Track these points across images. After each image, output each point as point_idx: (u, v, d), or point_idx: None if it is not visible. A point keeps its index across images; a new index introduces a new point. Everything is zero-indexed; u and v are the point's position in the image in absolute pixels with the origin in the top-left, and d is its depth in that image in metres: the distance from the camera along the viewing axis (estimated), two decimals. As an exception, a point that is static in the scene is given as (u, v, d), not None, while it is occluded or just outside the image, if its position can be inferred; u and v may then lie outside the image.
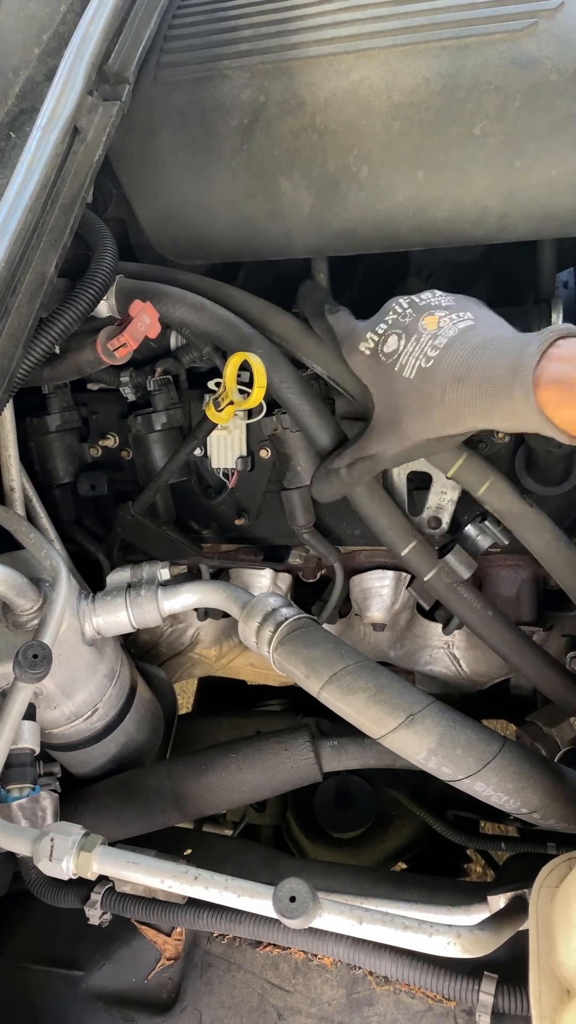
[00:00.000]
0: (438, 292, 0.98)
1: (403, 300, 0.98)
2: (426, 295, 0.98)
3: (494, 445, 1.16)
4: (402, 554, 1.12)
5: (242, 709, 1.83)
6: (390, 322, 0.97)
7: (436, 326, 0.92)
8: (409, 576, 1.32)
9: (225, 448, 1.25)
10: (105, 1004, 1.19)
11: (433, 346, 0.90)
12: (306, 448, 1.18)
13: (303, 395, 1.10)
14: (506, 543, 1.14)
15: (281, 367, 1.08)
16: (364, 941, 0.98)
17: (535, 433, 0.83)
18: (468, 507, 1.16)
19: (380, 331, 0.97)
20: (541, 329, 0.83)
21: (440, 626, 1.32)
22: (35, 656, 0.91)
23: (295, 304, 1.15)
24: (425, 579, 1.13)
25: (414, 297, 0.98)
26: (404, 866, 1.72)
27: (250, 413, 1.22)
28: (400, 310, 0.97)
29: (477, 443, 1.15)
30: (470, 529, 1.15)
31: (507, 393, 0.81)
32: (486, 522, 1.14)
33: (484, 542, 1.15)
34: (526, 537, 1.08)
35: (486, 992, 0.97)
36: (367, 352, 0.98)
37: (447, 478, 1.13)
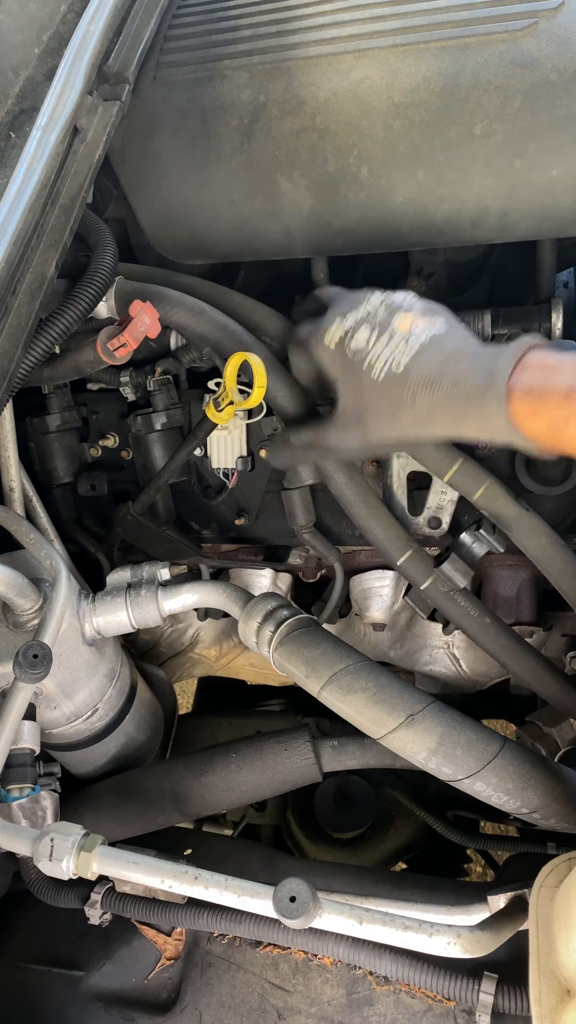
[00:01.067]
0: (411, 294, 0.95)
1: (378, 294, 0.95)
2: (399, 295, 0.95)
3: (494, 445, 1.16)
4: (398, 564, 1.12)
5: (242, 709, 1.83)
6: (360, 316, 0.94)
7: (408, 329, 0.90)
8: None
9: (225, 448, 1.25)
10: (105, 1004, 1.19)
11: (404, 351, 0.88)
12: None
13: (294, 403, 1.09)
14: (501, 551, 1.15)
15: (275, 374, 1.07)
16: (364, 941, 0.98)
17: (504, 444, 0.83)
18: (468, 507, 1.16)
19: (348, 325, 0.94)
20: (518, 338, 0.82)
21: (440, 626, 1.32)
22: (35, 656, 0.91)
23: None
24: (422, 588, 1.14)
25: (389, 293, 0.96)
26: (404, 866, 1.72)
27: (250, 413, 1.22)
28: (373, 305, 0.94)
29: (476, 444, 1.15)
30: (465, 537, 1.16)
31: (479, 402, 0.81)
32: (481, 530, 1.15)
33: (480, 550, 1.16)
34: (522, 541, 1.08)
35: (486, 992, 0.98)
36: (331, 347, 0.95)
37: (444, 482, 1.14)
